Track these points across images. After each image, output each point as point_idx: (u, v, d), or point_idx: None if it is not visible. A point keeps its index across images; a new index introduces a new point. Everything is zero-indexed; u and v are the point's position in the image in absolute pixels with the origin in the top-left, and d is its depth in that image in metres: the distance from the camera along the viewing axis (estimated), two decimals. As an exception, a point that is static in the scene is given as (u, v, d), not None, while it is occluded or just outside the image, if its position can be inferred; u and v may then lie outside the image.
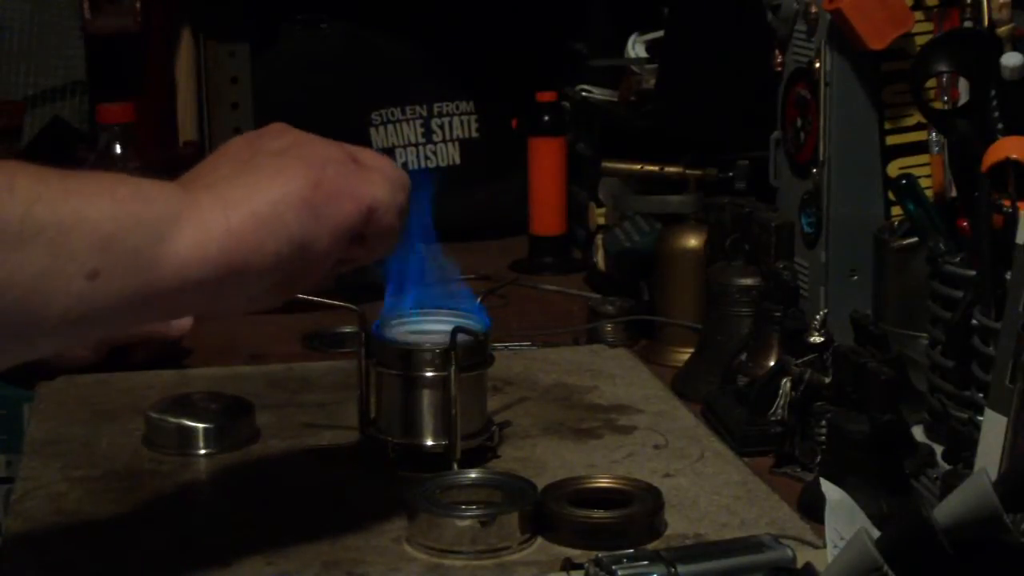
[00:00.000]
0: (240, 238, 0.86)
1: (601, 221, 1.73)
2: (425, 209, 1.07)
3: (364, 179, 0.92)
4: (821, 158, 1.35)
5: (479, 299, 1.17)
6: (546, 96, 1.82)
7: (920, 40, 1.31)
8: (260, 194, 0.88)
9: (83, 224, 0.81)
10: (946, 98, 1.27)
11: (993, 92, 1.16)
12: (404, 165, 1.94)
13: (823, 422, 1.14)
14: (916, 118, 1.32)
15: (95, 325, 0.85)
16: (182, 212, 0.85)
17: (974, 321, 1.08)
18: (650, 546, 0.98)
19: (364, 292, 1.24)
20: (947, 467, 1.06)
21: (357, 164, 0.93)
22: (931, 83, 1.26)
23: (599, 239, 1.70)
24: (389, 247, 0.96)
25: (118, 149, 1.52)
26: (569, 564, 0.95)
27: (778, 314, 1.26)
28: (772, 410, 1.20)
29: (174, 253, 0.84)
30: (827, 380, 1.15)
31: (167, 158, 1.74)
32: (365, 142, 1.92)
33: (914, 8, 1.31)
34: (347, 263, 0.96)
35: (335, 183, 0.90)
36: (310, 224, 0.89)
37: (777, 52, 1.44)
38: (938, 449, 1.11)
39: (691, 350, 1.41)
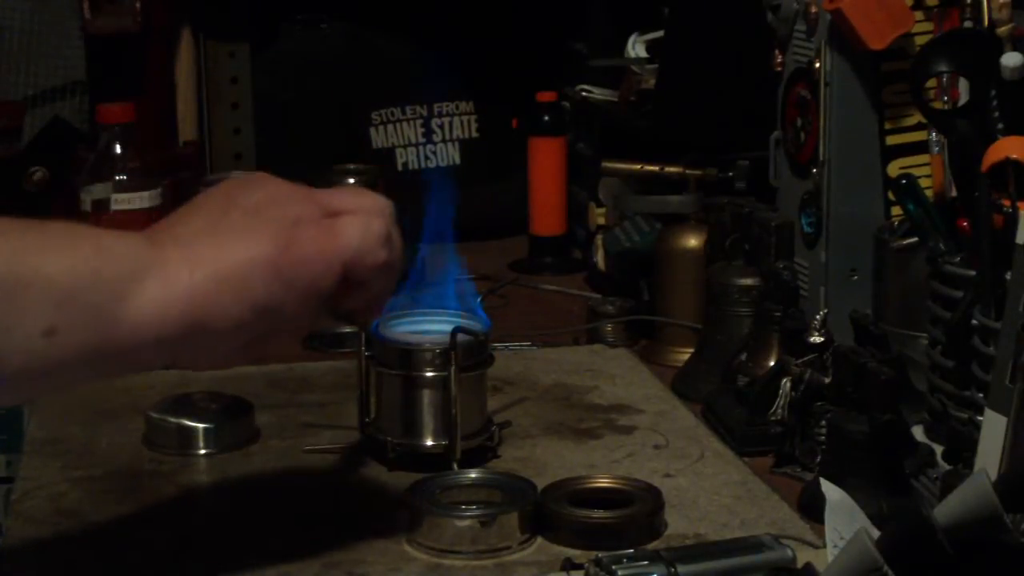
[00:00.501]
0: (204, 299, 0.85)
1: (601, 221, 1.73)
2: (448, 208, 1.08)
3: (336, 234, 0.89)
4: (821, 158, 1.35)
5: (480, 299, 1.17)
6: (546, 96, 1.82)
7: (920, 40, 1.31)
8: (227, 255, 0.86)
9: (41, 280, 0.80)
10: (946, 98, 1.27)
11: (993, 92, 1.16)
12: (404, 165, 1.95)
13: (823, 422, 1.14)
14: (916, 118, 1.32)
15: (52, 380, 0.84)
16: (145, 269, 0.84)
17: (974, 321, 1.08)
18: (650, 546, 0.98)
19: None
20: (947, 467, 1.06)
21: (330, 217, 0.90)
22: (931, 83, 1.26)
23: (599, 239, 1.70)
24: (391, 280, 0.94)
25: (118, 149, 1.52)
26: (569, 564, 0.95)
27: (778, 314, 1.26)
28: (772, 410, 1.20)
29: (135, 311, 0.83)
30: (827, 380, 1.15)
31: (167, 158, 1.74)
32: (365, 142, 1.92)
33: (914, 8, 1.31)
34: (355, 310, 0.94)
35: (304, 248, 0.88)
36: (276, 289, 0.87)
37: (777, 52, 1.44)
38: (938, 449, 1.11)
39: (691, 350, 1.41)
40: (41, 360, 0.81)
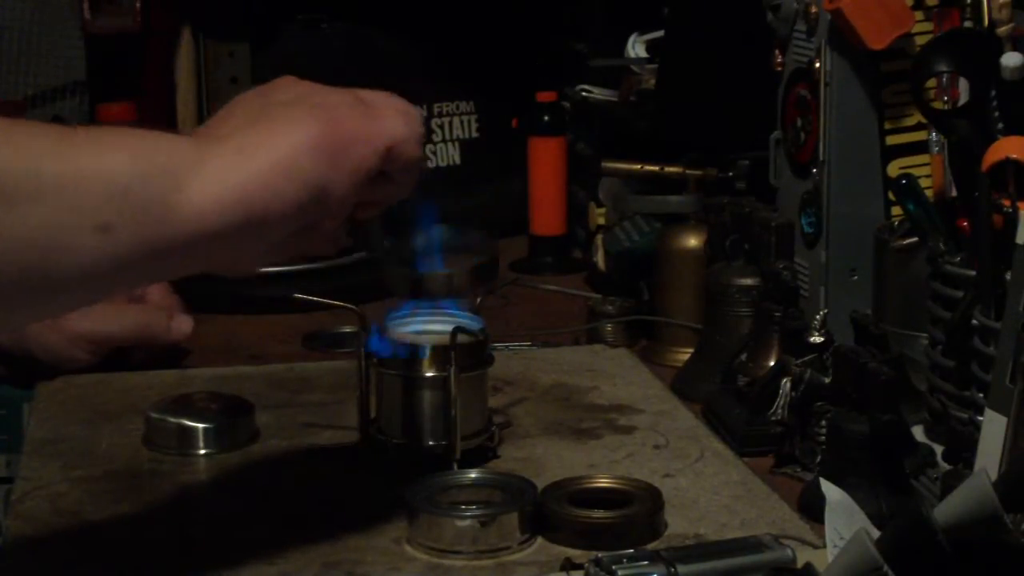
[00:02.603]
0: (258, 184, 0.86)
1: (601, 221, 1.72)
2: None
3: (378, 119, 0.93)
4: (821, 158, 1.35)
5: (477, 300, 1.16)
6: (546, 96, 1.82)
7: (920, 40, 1.31)
8: (276, 141, 0.88)
9: (93, 177, 0.81)
10: (946, 98, 1.26)
11: (993, 92, 1.16)
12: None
13: (823, 422, 1.14)
14: (916, 118, 1.32)
15: (111, 279, 0.84)
16: (197, 161, 0.85)
17: (974, 321, 1.08)
18: (650, 546, 0.98)
19: (364, 292, 1.24)
20: (947, 467, 1.06)
21: (368, 106, 0.94)
22: (931, 83, 1.26)
23: (599, 239, 1.70)
24: (412, 181, 0.97)
25: (118, 149, 1.52)
26: (569, 564, 0.95)
27: (778, 314, 1.26)
28: (772, 410, 1.20)
29: (189, 202, 0.83)
30: (827, 380, 1.15)
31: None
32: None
33: (914, 8, 1.31)
34: (375, 204, 0.97)
35: (349, 127, 0.91)
36: (327, 168, 0.89)
37: (777, 52, 1.44)
38: (938, 449, 1.11)
39: (691, 350, 1.41)
40: (99, 256, 0.81)
